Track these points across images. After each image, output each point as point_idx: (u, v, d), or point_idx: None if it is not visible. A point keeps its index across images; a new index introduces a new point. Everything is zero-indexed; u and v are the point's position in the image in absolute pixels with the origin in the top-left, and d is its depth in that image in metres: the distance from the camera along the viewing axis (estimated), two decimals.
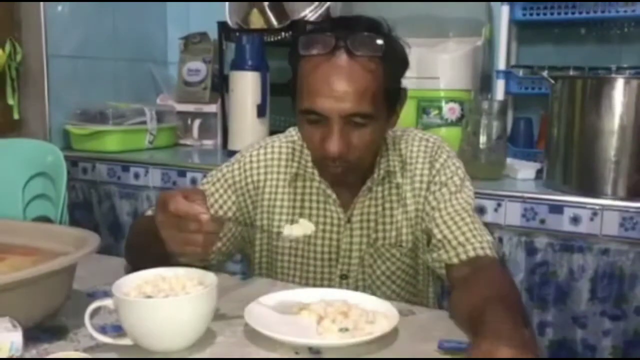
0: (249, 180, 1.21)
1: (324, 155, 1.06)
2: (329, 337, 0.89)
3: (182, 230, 0.89)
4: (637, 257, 1.62)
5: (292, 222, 1.19)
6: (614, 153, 1.66)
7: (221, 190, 1.20)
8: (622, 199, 1.65)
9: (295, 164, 1.20)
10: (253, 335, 0.90)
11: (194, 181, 2.15)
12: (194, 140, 2.65)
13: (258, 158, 1.22)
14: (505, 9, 2.12)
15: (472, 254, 1.09)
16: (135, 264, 0.97)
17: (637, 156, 1.66)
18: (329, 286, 1.19)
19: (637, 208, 1.62)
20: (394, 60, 1.08)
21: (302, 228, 0.99)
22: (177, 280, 0.90)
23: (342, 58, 1.02)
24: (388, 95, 1.07)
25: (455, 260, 1.10)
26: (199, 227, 0.88)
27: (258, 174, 1.21)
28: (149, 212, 1.23)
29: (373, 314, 0.94)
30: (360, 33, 1.03)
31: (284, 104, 2.28)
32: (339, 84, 1.02)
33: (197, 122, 2.64)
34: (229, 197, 1.20)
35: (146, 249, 1.05)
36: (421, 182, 1.17)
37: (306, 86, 1.05)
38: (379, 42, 1.03)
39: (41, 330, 0.90)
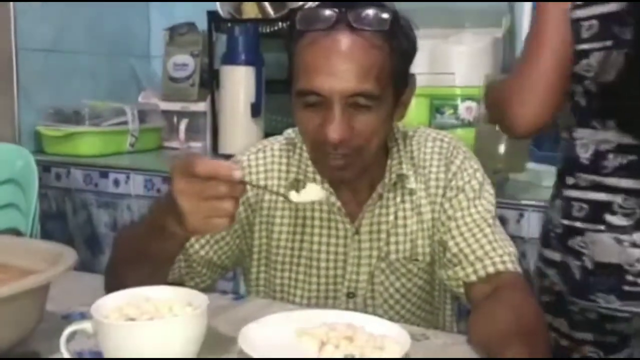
0: (249, 187, 1.21)
1: (323, 143, 1.05)
2: None
3: (208, 197, 0.85)
4: None
5: (295, 229, 1.20)
6: None
7: None
8: None
9: (294, 169, 1.20)
10: None
11: None
12: (181, 143, 2.65)
13: (257, 162, 1.22)
14: None
15: (491, 269, 1.09)
16: (123, 285, 0.95)
17: None
18: (334, 305, 1.19)
19: None
20: (402, 39, 1.08)
21: (312, 194, 0.98)
22: (163, 301, 0.90)
23: (344, 33, 1.02)
24: (395, 77, 1.07)
25: (473, 278, 1.10)
26: (229, 191, 0.85)
27: (257, 179, 1.21)
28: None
29: (382, 338, 0.94)
30: (363, 8, 1.04)
31: (280, 102, 2.30)
32: (340, 61, 1.02)
33: (184, 123, 2.65)
34: None
35: (141, 255, 1.02)
36: (437, 187, 1.18)
37: (303, 65, 1.05)
38: (385, 15, 1.04)
39: (11, 358, 0.89)
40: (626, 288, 1.20)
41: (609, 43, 1.21)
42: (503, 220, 1.73)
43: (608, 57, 1.21)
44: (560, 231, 1.28)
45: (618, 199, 1.22)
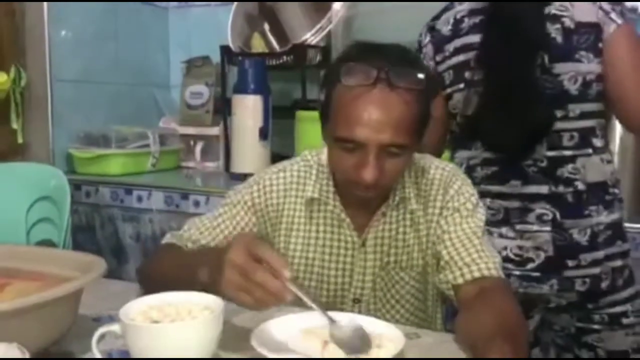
0: (269, 202, 1.21)
1: (356, 181, 1.07)
2: None
3: (251, 278, 0.85)
4: None
5: (309, 241, 1.21)
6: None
7: (242, 213, 1.21)
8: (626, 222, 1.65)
9: (310, 188, 1.20)
10: None
11: (197, 204, 2.16)
12: (197, 163, 2.66)
13: (277, 182, 1.22)
14: None
15: (477, 274, 1.09)
16: (153, 290, 0.95)
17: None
18: (342, 310, 1.19)
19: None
20: (429, 91, 1.10)
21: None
22: (183, 305, 0.90)
23: (383, 89, 1.03)
24: (421, 124, 1.09)
25: (460, 281, 1.10)
26: (271, 283, 0.85)
27: (278, 197, 1.22)
28: (168, 236, 1.23)
29: (379, 337, 0.94)
30: (401, 66, 1.05)
31: (285, 126, 2.31)
32: (378, 115, 1.03)
33: (199, 145, 2.66)
34: (250, 219, 1.21)
35: (175, 282, 1.00)
36: (434, 207, 1.18)
37: (344, 115, 1.05)
38: (420, 76, 1.05)
39: (48, 356, 0.89)
40: None
41: (462, 85, 1.40)
42: None
43: (466, 96, 1.40)
44: None
45: (487, 201, 1.38)
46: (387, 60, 1.04)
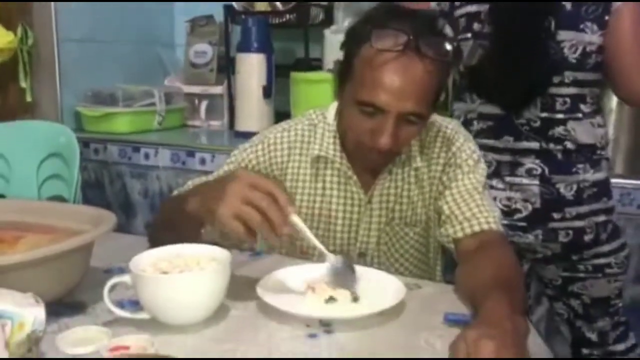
0: (273, 161, 1.20)
1: (369, 146, 1.06)
2: (339, 310, 0.90)
3: (250, 202, 0.86)
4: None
5: (315, 198, 1.20)
6: (613, 131, 1.67)
7: None
8: (619, 177, 1.66)
9: (317, 147, 1.19)
10: (265, 309, 0.90)
11: (203, 161, 2.15)
12: (202, 121, 2.65)
13: (282, 140, 1.21)
14: None
15: (477, 228, 1.09)
16: (162, 243, 0.96)
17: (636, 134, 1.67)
18: None
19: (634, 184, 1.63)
20: (452, 63, 1.09)
21: None
22: (192, 257, 0.91)
23: (411, 57, 1.00)
24: (439, 95, 1.08)
25: (460, 234, 1.10)
26: (268, 208, 0.86)
27: (282, 155, 1.21)
28: (175, 193, 1.23)
29: (381, 287, 0.95)
30: (432, 35, 1.02)
31: (288, 85, 2.28)
32: (403, 83, 1.01)
33: (204, 104, 2.64)
34: None
35: (179, 226, 1.02)
36: (437, 164, 1.18)
37: (370, 78, 1.03)
38: (448, 47, 1.03)
39: (61, 306, 0.90)
40: None
41: (469, 35, 1.37)
42: None
43: (471, 48, 1.37)
44: None
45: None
46: (417, 27, 1.01)
